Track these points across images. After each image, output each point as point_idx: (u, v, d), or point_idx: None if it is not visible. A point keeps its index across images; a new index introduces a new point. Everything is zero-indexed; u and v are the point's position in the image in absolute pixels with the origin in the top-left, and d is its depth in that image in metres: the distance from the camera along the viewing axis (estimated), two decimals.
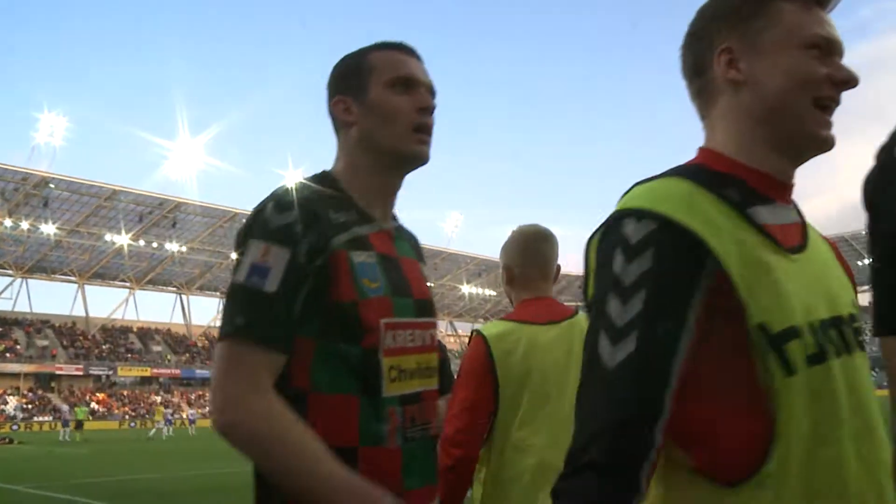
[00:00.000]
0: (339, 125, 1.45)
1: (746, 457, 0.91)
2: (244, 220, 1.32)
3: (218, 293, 72.33)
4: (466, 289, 70.71)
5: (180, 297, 70.05)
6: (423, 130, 1.41)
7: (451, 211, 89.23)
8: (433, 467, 1.38)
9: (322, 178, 1.40)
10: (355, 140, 1.41)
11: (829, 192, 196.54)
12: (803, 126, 1.04)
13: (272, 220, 1.23)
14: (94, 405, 53.80)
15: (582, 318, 2.31)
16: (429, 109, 1.41)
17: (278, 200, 1.26)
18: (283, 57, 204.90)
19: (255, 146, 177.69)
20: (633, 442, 0.86)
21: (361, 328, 1.27)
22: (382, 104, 1.39)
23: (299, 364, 1.25)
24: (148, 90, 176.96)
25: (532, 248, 2.34)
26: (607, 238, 0.95)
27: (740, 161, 1.05)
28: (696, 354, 0.91)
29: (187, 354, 67.21)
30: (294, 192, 1.29)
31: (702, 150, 1.10)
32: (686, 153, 1.12)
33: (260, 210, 1.26)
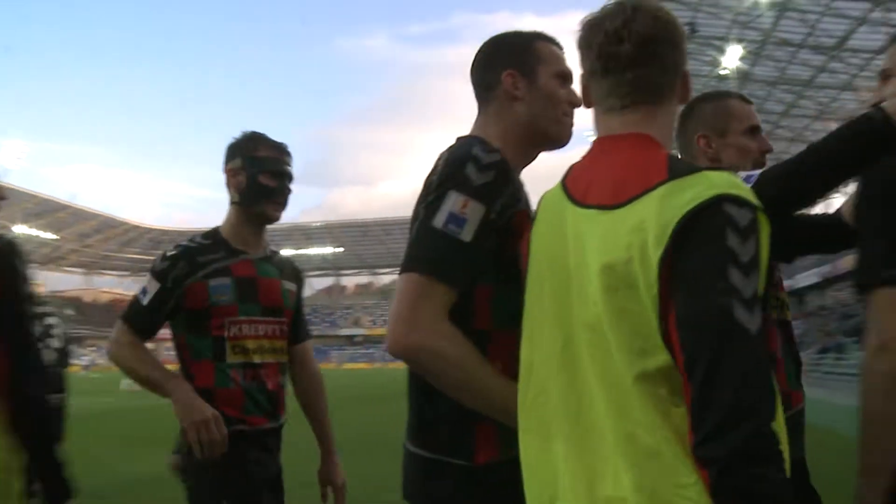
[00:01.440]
0: (500, 95, 1.60)
1: None
2: (439, 169, 1.42)
3: None
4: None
5: None
6: (570, 118, 1.65)
7: (13, 140, 73.91)
8: None
9: (486, 140, 1.49)
10: (518, 115, 1.59)
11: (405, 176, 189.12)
12: None
13: (474, 178, 1.37)
14: None
15: None
16: (577, 104, 1.62)
17: (478, 159, 1.40)
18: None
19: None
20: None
21: None
22: (550, 92, 1.60)
23: (481, 307, 1.43)
24: None
25: None
26: (714, 214, 1.01)
27: None
28: None
29: None
30: (488, 151, 1.42)
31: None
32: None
33: (460, 166, 1.39)
